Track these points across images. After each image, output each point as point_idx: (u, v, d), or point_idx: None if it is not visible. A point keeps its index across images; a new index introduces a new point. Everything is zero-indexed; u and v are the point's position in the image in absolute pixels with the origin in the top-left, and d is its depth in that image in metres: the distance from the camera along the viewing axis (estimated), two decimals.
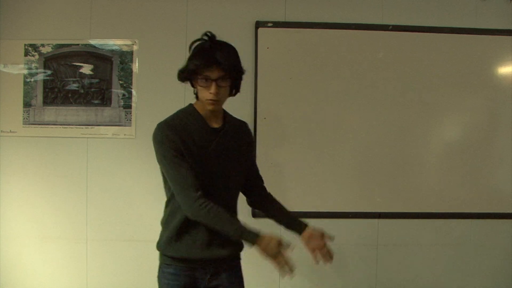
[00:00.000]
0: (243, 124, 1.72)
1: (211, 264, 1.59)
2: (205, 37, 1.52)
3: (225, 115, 1.65)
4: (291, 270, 1.45)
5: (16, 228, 2.41)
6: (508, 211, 2.51)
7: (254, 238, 1.47)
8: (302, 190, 2.43)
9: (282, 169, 2.41)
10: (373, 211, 2.47)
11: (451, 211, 2.49)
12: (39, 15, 2.39)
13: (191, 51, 1.53)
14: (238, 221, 1.55)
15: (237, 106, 1.78)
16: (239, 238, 1.53)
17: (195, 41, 1.54)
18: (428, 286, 2.53)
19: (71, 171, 2.41)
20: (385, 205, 2.47)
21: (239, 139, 1.63)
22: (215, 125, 1.59)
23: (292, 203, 2.44)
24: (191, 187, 1.49)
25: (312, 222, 2.45)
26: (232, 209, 1.63)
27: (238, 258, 1.70)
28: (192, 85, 1.58)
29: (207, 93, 1.50)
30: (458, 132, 2.51)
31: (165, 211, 1.65)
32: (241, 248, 1.66)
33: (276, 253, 1.44)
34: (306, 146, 2.44)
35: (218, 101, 1.52)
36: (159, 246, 1.63)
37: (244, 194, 1.76)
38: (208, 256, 1.58)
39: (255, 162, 1.81)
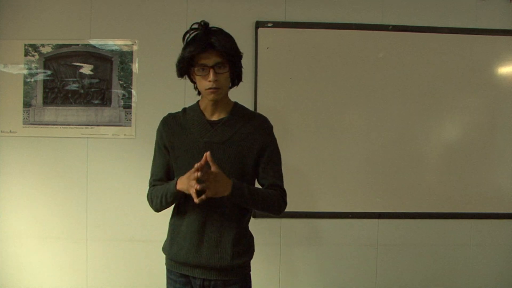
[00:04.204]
0: (254, 117, 1.57)
1: (200, 273, 1.50)
2: (197, 26, 1.45)
3: (235, 108, 1.56)
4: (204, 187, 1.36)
5: (16, 228, 2.41)
6: (508, 211, 2.51)
7: (174, 182, 1.46)
8: (302, 190, 2.43)
9: (282, 169, 2.41)
10: (373, 211, 2.47)
11: (451, 211, 2.49)
12: (39, 15, 2.39)
13: (184, 41, 1.47)
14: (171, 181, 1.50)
15: None
16: (173, 192, 1.46)
17: (188, 31, 1.47)
18: (428, 286, 2.53)
19: (71, 171, 2.41)
20: (385, 205, 2.47)
21: (243, 133, 1.52)
22: (215, 118, 1.53)
23: (292, 203, 2.45)
24: (151, 177, 1.59)
25: (312, 222, 2.49)
26: (229, 205, 1.48)
27: (235, 274, 1.51)
28: (192, 80, 1.52)
29: (206, 82, 1.43)
30: (458, 132, 2.51)
31: None
32: (237, 259, 1.50)
33: (188, 183, 1.38)
34: (306, 146, 2.44)
35: (219, 89, 1.44)
36: (163, 246, 1.62)
37: None
38: (194, 262, 1.48)
39: (269, 163, 1.56)
